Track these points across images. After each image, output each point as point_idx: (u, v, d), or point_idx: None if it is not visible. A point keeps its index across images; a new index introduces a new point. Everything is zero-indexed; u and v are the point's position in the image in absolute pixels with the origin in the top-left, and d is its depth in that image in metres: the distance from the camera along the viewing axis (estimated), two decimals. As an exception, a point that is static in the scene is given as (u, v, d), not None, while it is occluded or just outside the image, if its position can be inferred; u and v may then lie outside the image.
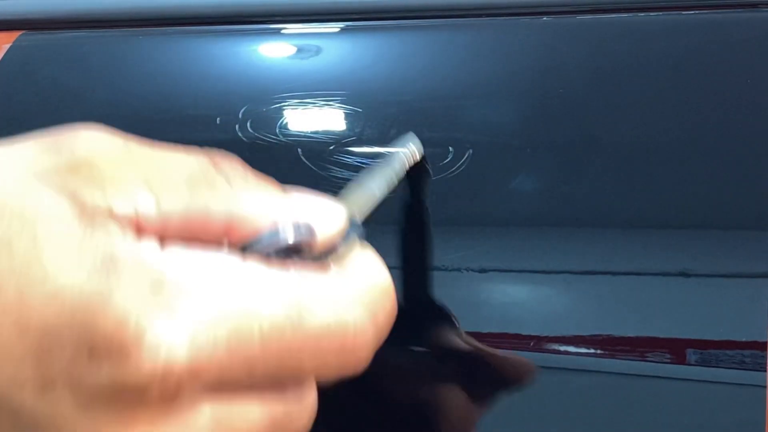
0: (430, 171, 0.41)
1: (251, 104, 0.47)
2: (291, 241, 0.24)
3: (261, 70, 0.52)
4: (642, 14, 0.48)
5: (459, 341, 0.38)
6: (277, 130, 0.46)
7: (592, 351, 0.38)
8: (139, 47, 0.54)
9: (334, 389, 0.26)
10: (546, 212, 0.42)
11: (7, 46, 0.54)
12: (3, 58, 0.53)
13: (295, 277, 0.23)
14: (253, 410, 0.23)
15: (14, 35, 0.55)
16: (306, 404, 0.25)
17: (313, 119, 0.47)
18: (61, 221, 0.22)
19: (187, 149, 0.26)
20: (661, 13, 0.48)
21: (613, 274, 0.39)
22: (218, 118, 0.47)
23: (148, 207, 0.23)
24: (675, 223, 0.41)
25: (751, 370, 0.36)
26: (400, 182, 0.37)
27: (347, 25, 0.52)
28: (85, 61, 0.55)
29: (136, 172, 0.24)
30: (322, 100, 0.47)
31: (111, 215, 0.23)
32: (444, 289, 0.40)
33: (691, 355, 0.37)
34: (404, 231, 0.41)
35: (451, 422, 0.38)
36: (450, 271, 0.40)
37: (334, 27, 0.52)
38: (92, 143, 0.25)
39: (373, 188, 0.32)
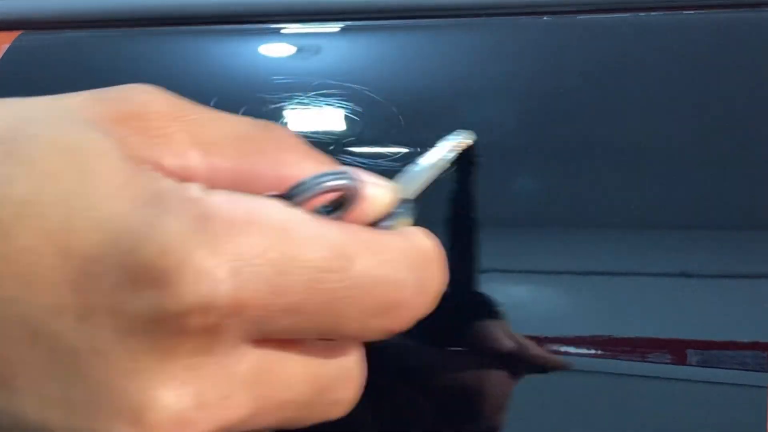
0: (477, 161, 0.41)
1: (251, 104, 0.47)
2: (334, 184, 0.24)
3: (261, 70, 0.52)
4: (642, 14, 0.48)
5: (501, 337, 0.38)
6: (277, 130, 0.46)
7: (592, 351, 0.38)
8: (139, 47, 0.54)
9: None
10: (546, 212, 0.42)
11: (7, 46, 0.54)
12: (2, 58, 0.53)
13: (344, 225, 0.23)
14: (295, 366, 0.23)
15: (14, 35, 0.55)
16: (352, 374, 0.25)
17: (313, 119, 0.47)
18: (109, 159, 0.22)
19: (236, 115, 0.26)
20: (661, 13, 0.48)
21: (614, 274, 0.39)
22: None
23: (196, 163, 0.23)
24: (676, 224, 0.41)
25: (752, 371, 0.36)
26: (451, 167, 0.37)
27: (347, 25, 0.52)
28: (85, 61, 0.55)
29: (187, 129, 0.24)
30: (322, 100, 0.47)
31: (158, 167, 0.23)
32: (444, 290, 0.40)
33: (692, 355, 0.37)
34: (448, 220, 0.41)
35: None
36: (450, 271, 0.40)
37: (334, 27, 0.52)
38: (144, 97, 0.25)
39: (423, 171, 0.32)
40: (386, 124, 0.45)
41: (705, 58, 0.47)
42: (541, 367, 0.37)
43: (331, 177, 0.24)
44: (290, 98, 0.47)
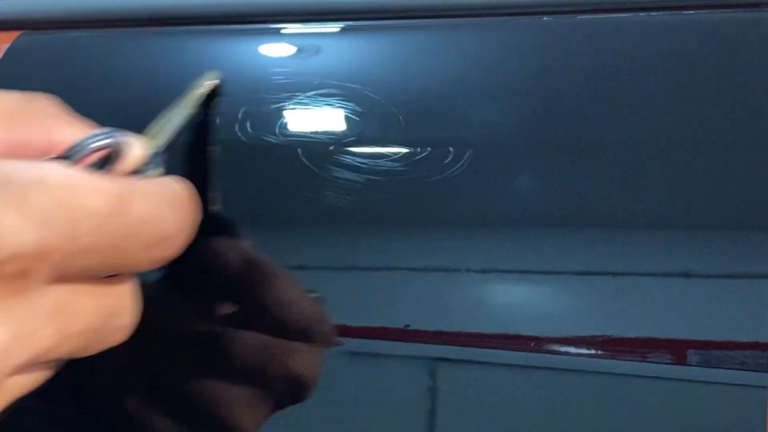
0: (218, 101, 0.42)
1: (251, 104, 0.47)
2: (104, 142, 0.28)
3: (261, 70, 0.52)
4: (642, 14, 0.48)
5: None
6: (277, 130, 0.46)
7: (592, 351, 0.38)
8: (139, 47, 0.54)
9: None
10: (546, 212, 0.42)
11: (7, 46, 0.54)
12: (2, 58, 0.53)
13: (116, 177, 0.27)
14: (87, 298, 0.27)
15: (14, 35, 0.55)
16: (130, 302, 0.29)
17: (313, 119, 0.47)
18: None
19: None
20: (661, 13, 0.48)
21: (614, 274, 0.39)
22: (218, 118, 0.47)
23: None
24: (676, 224, 0.41)
25: (752, 371, 0.36)
26: (198, 110, 0.40)
27: (347, 25, 0.52)
28: (85, 61, 0.55)
29: None
30: (322, 100, 0.47)
31: None
32: (444, 290, 0.41)
33: (692, 355, 0.37)
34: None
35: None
36: (450, 271, 0.40)
37: (334, 27, 0.52)
38: None
39: (171, 121, 0.36)
40: (386, 124, 0.45)
41: (705, 58, 0.47)
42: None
43: (98, 138, 0.28)
44: (290, 98, 0.47)
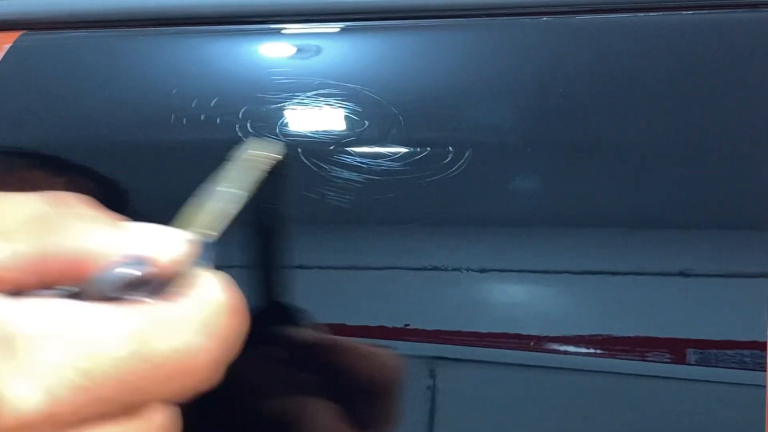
0: (287, 174, 0.40)
1: (251, 104, 0.47)
2: (125, 277, 0.25)
3: (261, 70, 0.52)
4: (642, 14, 0.48)
5: (316, 339, 0.38)
6: (277, 130, 0.46)
7: (592, 351, 0.38)
8: (139, 47, 0.54)
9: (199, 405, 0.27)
10: (546, 212, 0.42)
11: (8, 46, 0.54)
12: (3, 58, 0.54)
13: (134, 311, 0.25)
14: None
15: (14, 35, 0.55)
16: (157, 425, 0.26)
17: (313, 119, 0.47)
18: None
19: (25, 194, 0.27)
20: (661, 13, 0.48)
21: (613, 274, 0.40)
22: (218, 118, 0.47)
23: (1, 255, 0.24)
24: (674, 223, 0.41)
25: (751, 370, 0.36)
26: (257, 189, 0.36)
27: (347, 25, 0.52)
28: (85, 61, 0.55)
29: None
30: (322, 100, 0.47)
31: None
32: (444, 289, 0.41)
33: (691, 355, 0.37)
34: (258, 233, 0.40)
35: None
36: (450, 270, 0.40)
37: (334, 27, 0.52)
38: None
39: (225, 201, 0.32)
40: (386, 124, 0.45)
41: (704, 59, 0.47)
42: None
43: (123, 272, 0.25)
44: (290, 98, 0.47)
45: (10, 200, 0.26)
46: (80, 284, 0.25)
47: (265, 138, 0.39)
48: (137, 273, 0.25)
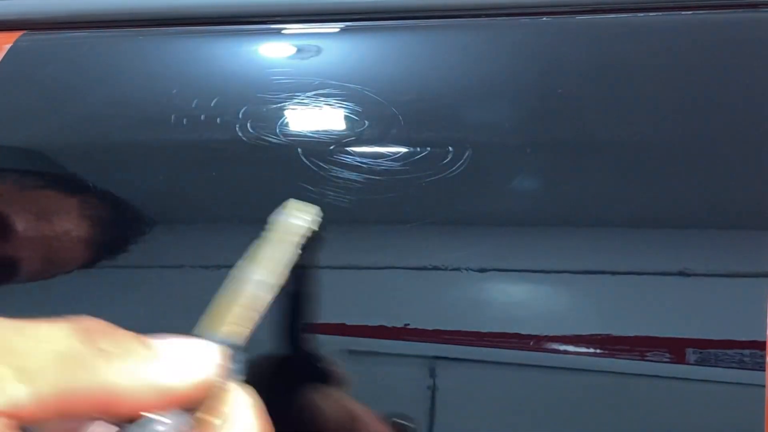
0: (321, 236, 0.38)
1: (251, 104, 0.47)
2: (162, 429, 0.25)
3: (261, 70, 0.52)
4: (642, 14, 0.48)
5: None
6: (277, 130, 0.46)
7: (591, 351, 0.38)
8: (139, 47, 0.55)
9: None
10: (546, 212, 0.42)
11: (8, 46, 0.54)
12: (4, 58, 0.54)
13: None
14: None
15: (15, 35, 0.55)
16: None
17: (313, 119, 0.47)
18: None
19: (52, 321, 0.26)
20: (661, 13, 0.48)
21: (613, 273, 0.40)
22: (218, 118, 0.47)
23: (22, 397, 0.24)
24: (674, 223, 0.41)
25: (750, 369, 0.36)
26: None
27: (347, 25, 0.52)
28: (85, 61, 0.55)
29: (11, 364, 0.25)
30: (322, 100, 0.47)
31: None
32: (444, 289, 0.41)
33: (691, 354, 0.37)
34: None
35: None
36: (449, 270, 0.40)
37: (334, 27, 0.52)
38: None
39: (257, 292, 0.30)
40: (386, 124, 0.45)
41: (705, 58, 0.47)
42: None
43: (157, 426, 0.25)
44: (290, 98, 0.47)
45: (36, 334, 0.26)
46: (118, 425, 0.25)
47: (301, 200, 0.37)
48: (177, 429, 0.26)
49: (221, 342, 0.28)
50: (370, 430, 0.38)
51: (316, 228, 0.35)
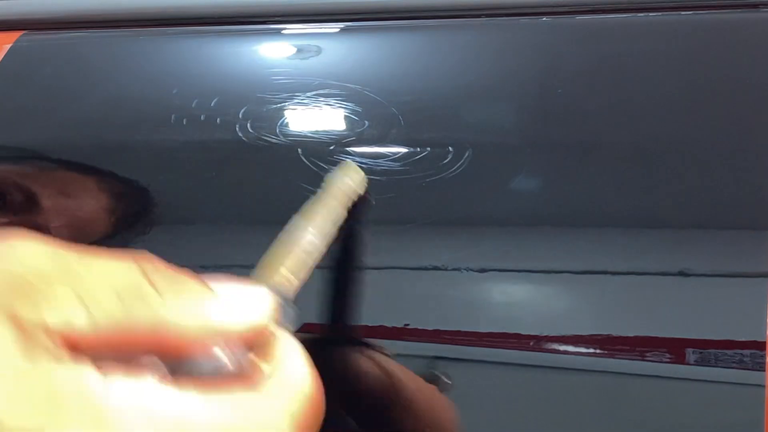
0: (372, 200, 0.40)
1: (251, 104, 0.47)
2: (225, 370, 0.26)
3: (261, 70, 0.52)
4: (642, 14, 0.48)
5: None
6: (277, 130, 0.46)
7: (591, 351, 0.38)
8: (139, 47, 0.55)
9: None
10: (546, 212, 0.42)
11: (8, 46, 0.54)
12: (3, 58, 0.54)
13: (225, 403, 0.25)
14: None
15: (15, 35, 0.55)
16: None
17: (313, 119, 0.47)
18: (3, 352, 0.23)
19: (116, 255, 0.26)
20: (661, 13, 0.48)
21: (613, 273, 0.40)
22: (218, 118, 0.47)
23: (80, 322, 0.24)
24: (674, 223, 0.41)
25: (750, 369, 0.36)
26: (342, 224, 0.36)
27: (347, 25, 0.52)
28: (85, 61, 0.55)
29: (71, 286, 0.25)
30: (322, 100, 0.47)
31: (47, 332, 0.24)
32: (444, 289, 0.41)
33: (691, 354, 0.37)
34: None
35: None
36: (449, 270, 0.40)
37: (334, 27, 0.52)
38: (25, 258, 0.25)
39: (309, 246, 0.32)
40: (386, 124, 0.45)
41: (705, 58, 0.47)
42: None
43: (218, 364, 0.25)
44: (290, 98, 0.47)
45: (99, 265, 0.26)
46: (171, 362, 0.25)
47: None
48: (231, 366, 0.26)
49: (275, 290, 0.28)
50: (407, 386, 0.39)
51: (362, 192, 0.38)
